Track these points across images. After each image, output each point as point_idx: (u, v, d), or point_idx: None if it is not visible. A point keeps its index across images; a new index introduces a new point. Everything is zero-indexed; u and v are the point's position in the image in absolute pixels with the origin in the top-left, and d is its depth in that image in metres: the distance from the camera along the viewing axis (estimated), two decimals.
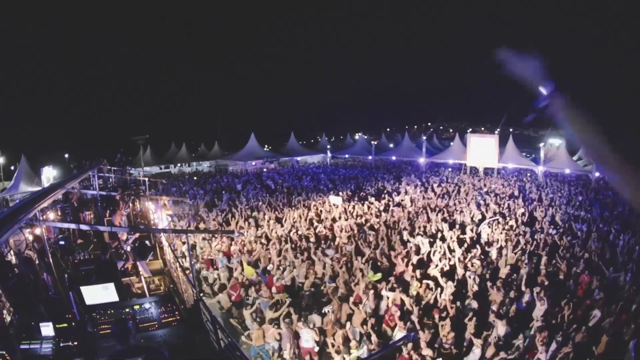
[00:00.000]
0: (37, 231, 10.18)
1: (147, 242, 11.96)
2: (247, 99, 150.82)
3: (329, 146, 69.16)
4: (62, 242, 12.21)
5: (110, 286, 7.82)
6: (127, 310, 7.09)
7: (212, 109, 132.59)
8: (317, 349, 11.61)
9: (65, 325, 7.00)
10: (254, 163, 61.10)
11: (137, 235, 12.23)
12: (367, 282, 14.23)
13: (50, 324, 6.96)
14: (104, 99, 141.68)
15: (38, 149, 64.98)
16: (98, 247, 12.80)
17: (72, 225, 10.33)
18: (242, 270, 16.37)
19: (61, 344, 6.70)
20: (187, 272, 10.42)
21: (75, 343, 6.64)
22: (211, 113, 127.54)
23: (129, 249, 12.08)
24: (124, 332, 5.14)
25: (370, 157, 61.66)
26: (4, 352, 6.52)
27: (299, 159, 66.95)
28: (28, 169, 49.18)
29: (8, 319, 7.99)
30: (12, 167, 63.59)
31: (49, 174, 48.42)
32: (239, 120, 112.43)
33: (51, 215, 15.59)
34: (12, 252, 9.74)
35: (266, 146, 69.79)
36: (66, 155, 69.81)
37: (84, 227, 10.84)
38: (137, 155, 59.71)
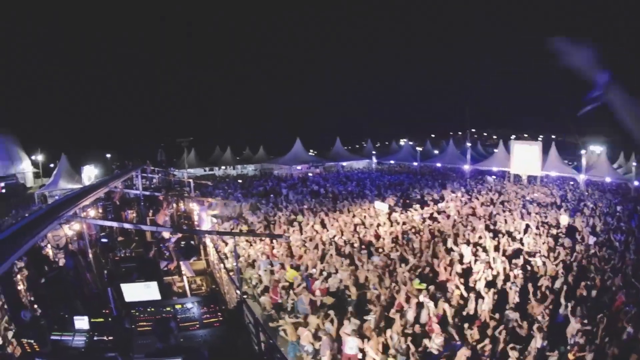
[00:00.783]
0: (76, 227, 10.28)
1: (192, 242, 12.01)
2: (293, 103, 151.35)
3: (374, 152, 69.02)
4: (104, 240, 12.34)
5: (153, 285, 7.81)
6: (168, 309, 7.03)
7: (257, 113, 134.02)
8: (360, 355, 11.38)
9: (101, 320, 7.09)
10: (299, 167, 61.09)
11: (179, 235, 12.31)
12: (409, 290, 14.01)
13: (86, 318, 7.03)
14: (149, 100, 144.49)
15: (79, 149, 66.16)
16: (140, 245, 12.94)
17: (114, 224, 10.39)
18: (285, 273, 16.39)
19: (95, 338, 6.75)
20: (231, 273, 10.40)
21: (111, 338, 6.67)
22: (256, 117, 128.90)
23: (171, 248, 12.18)
24: (166, 332, 5.11)
25: (415, 164, 61.07)
26: (32, 341, 6.63)
27: (344, 164, 66.86)
28: (68, 166, 50.03)
29: (39, 310, 8.17)
30: (52, 165, 65.22)
31: (90, 172, 49.22)
32: (282, 123, 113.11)
33: (92, 212, 15.81)
34: (49, 246, 9.87)
35: (311, 151, 69.82)
36: (108, 155, 70.99)
37: (126, 225, 10.89)
38: (181, 156, 60.51)
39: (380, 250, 19.28)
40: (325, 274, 16.17)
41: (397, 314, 12.60)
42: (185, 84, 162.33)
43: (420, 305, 13.05)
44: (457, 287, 14.55)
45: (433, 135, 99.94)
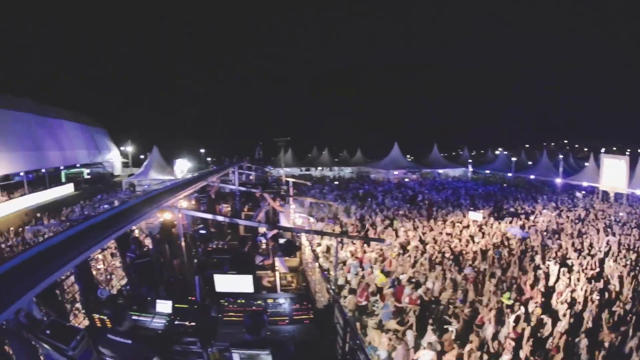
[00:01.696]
0: (168, 216, 10.70)
1: (292, 240, 12.28)
2: (389, 108, 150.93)
3: (470, 160, 68.45)
4: (202, 231, 12.82)
5: (248, 278, 7.99)
6: (259, 302, 7.22)
7: (355, 116, 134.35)
8: None
9: (185, 306, 7.39)
10: (396, 172, 60.97)
11: (275, 231, 12.64)
12: (493, 305, 13.86)
13: (170, 302, 7.35)
14: (248, 100, 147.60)
15: (172, 142, 68.54)
16: (235, 238, 13.37)
17: (209, 216, 10.73)
18: (374, 277, 16.58)
19: (175, 322, 7.01)
20: (329, 273, 10.59)
21: (193, 324, 6.89)
22: (354, 119, 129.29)
23: (267, 244, 12.56)
24: (257, 324, 5.29)
25: (510, 175, 60.04)
26: (105, 317, 6.96)
27: (440, 171, 66.39)
28: (160, 158, 52.24)
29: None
30: (142, 156, 68.34)
31: (183, 165, 50.91)
32: (379, 128, 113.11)
33: (184, 203, 16.37)
34: (136, 232, 10.39)
35: (408, 156, 69.66)
36: (202, 150, 72.95)
37: (222, 218, 11.25)
38: (278, 155, 61.65)
39: (470, 262, 19.12)
40: (414, 281, 16.20)
41: (477, 329, 12.58)
42: (284, 83, 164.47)
43: (500, 322, 12.94)
44: (538, 306, 14.28)
45: (527, 145, 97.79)
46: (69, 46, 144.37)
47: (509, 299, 14.81)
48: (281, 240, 11.46)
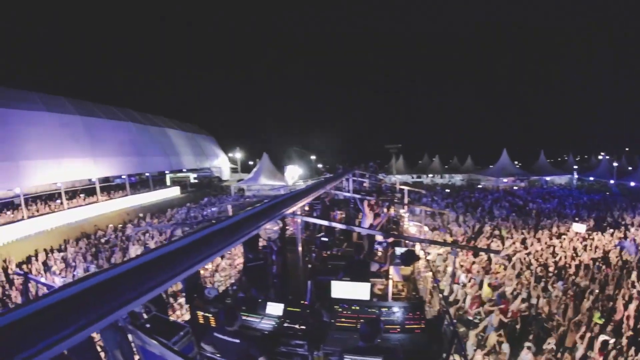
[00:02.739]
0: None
1: (412, 250, 12.29)
2: (498, 111, 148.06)
3: (575, 166, 65.68)
4: (324, 239, 13.01)
5: (366, 286, 8.09)
6: (373, 309, 7.29)
7: (465, 123, 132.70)
8: None
9: (297, 309, 7.54)
10: (505, 180, 59.91)
11: (390, 240, 12.68)
12: (586, 325, 13.48)
13: (282, 305, 7.58)
14: (361, 107, 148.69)
15: (281, 148, 70.13)
16: (350, 245, 13.50)
17: (324, 222, 10.85)
18: (480, 289, 16.47)
19: (285, 324, 7.17)
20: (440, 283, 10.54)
21: (302, 327, 7.03)
22: (464, 126, 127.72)
23: (389, 253, 12.61)
24: (373, 331, 5.36)
25: (612, 182, 57.11)
26: (210, 315, 7.41)
27: (547, 178, 64.38)
28: (270, 164, 53.95)
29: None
30: (251, 162, 70.76)
31: (294, 172, 51.96)
32: (488, 133, 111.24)
33: (297, 210, 16.61)
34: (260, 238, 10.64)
35: (516, 162, 68.31)
36: (313, 157, 74.17)
37: (338, 225, 11.35)
38: (389, 162, 61.91)
39: (570, 277, 18.55)
40: (516, 294, 15.98)
41: (569, 350, 12.41)
42: (394, 91, 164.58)
43: (591, 345, 12.49)
44: (627, 329, 13.60)
45: (627, 149, 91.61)
46: (177, 59, 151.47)
47: (600, 318, 14.31)
48: (401, 250, 11.44)
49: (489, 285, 16.92)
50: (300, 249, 9.38)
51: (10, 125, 30.93)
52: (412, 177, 69.39)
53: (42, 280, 9.10)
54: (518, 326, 13.90)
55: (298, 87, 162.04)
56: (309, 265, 11.30)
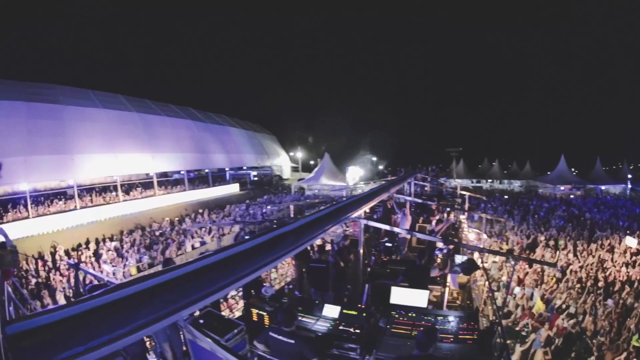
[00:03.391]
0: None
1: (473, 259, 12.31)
2: (554, 117, 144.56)
3: (630, 175, 63.29)
4: (388, 244, 13.09)
5: (424, 293, 8.20)
6: (429, 317, 7.32)
7: (527, 125, 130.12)
8: None
9: (354, 312, 7.62)
10: (562, 188, 58.33)
11: (451, 247, 12.71)
12: (625, 347, 13.00)
13: (339, 308, 7.68)
14: (423, 109, 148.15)
15: (344, 149, 70.47)
16: (411, 249, 13.55)
17: (386, 227, 10.88)
18: (532, 300, 16.35)
19: (340, 327, 7.25)
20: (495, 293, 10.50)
21: (357, 331, 7.08)
22: (527, 130, 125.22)
23: (442, 258, 12.65)
24: (430, 340, 5.43)
25: None
26: (264, 313, 7.63)
27: (603, 187, 61.91)
28: (331, 164, 54.42)
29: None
30: (312, 162, 71.29)
31: (355, 173, 52.14)
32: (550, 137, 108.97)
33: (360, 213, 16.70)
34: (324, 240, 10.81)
35: (573, 169, 66.28)
36: (374, 158, 74.35)
37: (400, 231, 11.41)
38: (450, 166, 61.58)
39: (617, 293, 17.84)
40: (564, 308, 15.80)
41: None
42: (457, 92, 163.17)
43: None
44: None
45: None
46: (242, 58, 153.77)
47: (638, 340, 13.92)
48: (461, 258, 11.45)
49: (542, 298, 16.70)
50: (361, 251, 9.48)
51: (64, 120, 32.62)
52: (472, 182, 68.65)
53: (92, 271, 9.36)
54: (561, 343, 13.72)
55: (359, 88, 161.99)
56: (368, 269, 11.31)
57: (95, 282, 8.36)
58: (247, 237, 10.56)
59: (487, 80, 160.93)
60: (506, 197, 51.82)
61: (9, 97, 30.03)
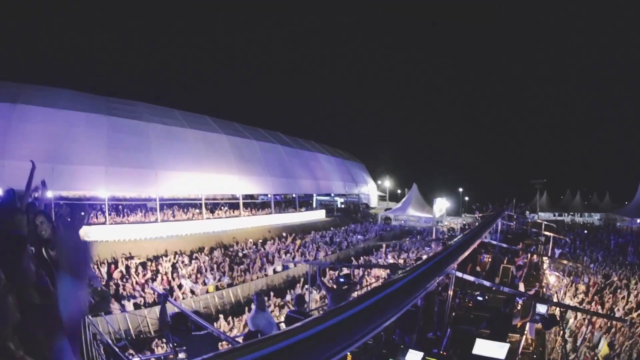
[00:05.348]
0: None
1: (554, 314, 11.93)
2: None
3: None
4: (479, 298, 12.79)
5: (505, 346, 8.10)
6: None
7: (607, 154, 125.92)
8: None
9: (434, 359, 7.57)
10: (638, 221, 54.53)
11: (531, 292, 12.33)
12: None
13: (421, 354, 7.59)
14: (504, 136, 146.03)
15: (431, 180, 70.31)
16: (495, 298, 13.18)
17: (471, 278, 10.65)
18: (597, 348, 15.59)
19: None
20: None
21: None
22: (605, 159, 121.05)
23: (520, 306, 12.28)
24: None
25: None
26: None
27: None
28: (419, 195, 54.28)
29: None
30: (399, 191, 71.31)
31: (442, 205, 51.67)
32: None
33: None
34: None
35: None
36: (460, 189, 73.75)
37: (488, 284, 11.14)
38: (533, 199, 60.23)
39: None
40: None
41: None
42: (538, 121, 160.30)
43: None
44: None
45: None
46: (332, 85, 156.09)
47: None
48: (543, 308, 11.05)
49: (609, 344, 15.91)
50: (451, 293, 9.29)
51: (150, 137, 34.17)
52: (554, 215, 66.14)
53: (177, 303, 9.41)
54: None
55: (447, 120, 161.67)
56: (453, 313, 11.08)
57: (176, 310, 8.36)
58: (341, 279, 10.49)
59: (569, 108, 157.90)
60: (585, 231, 49.72)
61: (90, 109, 31.88)
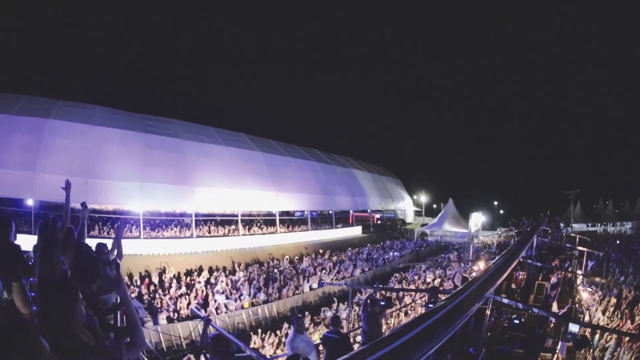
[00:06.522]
0: None
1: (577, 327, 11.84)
2: None
3: None
4: (516, 321, 12.77)
5: None
6: None
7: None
8: None
9: None
10: None
11: (565, 310, 12.24)
12: None
13: None
14: (538, 148, 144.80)
15: (467, 194, 69.95)
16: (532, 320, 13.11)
17: (512, 303, 10.69)
18: None
19: None
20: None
21: None
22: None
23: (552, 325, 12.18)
24: None
25: None
26: None
27: None
28: (455, 210, 54.37)
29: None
30: (435, 206, 71.30)
31: (477, 219, 51.31)
32: None
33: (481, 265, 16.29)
34: None
35: None
36: (495, 203, 73.38)
37: (520, 305, 11.12)
38: (567, 210, 59.51)
39: None
40: None
41: None
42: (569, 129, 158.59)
43: None
44: None
45: None
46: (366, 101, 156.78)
47: None
48: (575, 328, 10.98)
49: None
50: (488, 313, 9.29)
51: (185, 154, 34.97)
52: (587, 226, 65.32)
53: (219, 327, 9.46)
54: None
55: (480, 133, 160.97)
56: (488, 334, 11.02)
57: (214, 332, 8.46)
58: (382, 302, 10.56)
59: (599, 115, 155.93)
60: (618, 242, 48.04)
61: (125, 126, 32.76)
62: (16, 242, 4.53)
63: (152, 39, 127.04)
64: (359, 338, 11.48)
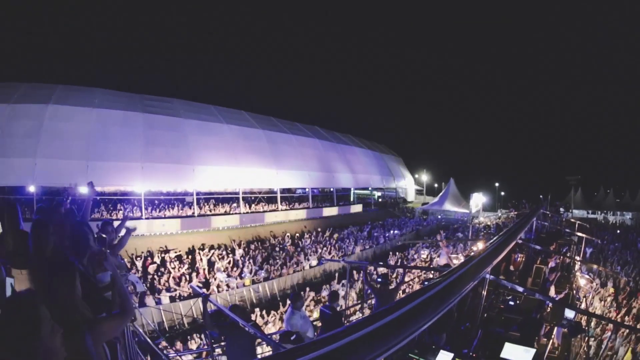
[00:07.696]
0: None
1: (572, 313, 11.87)
2: None
3: None
4: (511, 302, 12.80)
5: (531, 352, 8.21)
6: None
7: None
8: None
9: None
10: None
11: (561, 295, 12.27)
12: None
13: (452, 355, 7.88)
14: (542, 132, 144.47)
15: (468, 174, 70.03)
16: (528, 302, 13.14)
17: (509, 284, 10.68)
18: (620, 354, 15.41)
19: None
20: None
21: None
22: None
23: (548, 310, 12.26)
24: None
25: None
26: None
27: None
28: (456, 190, 54.31)
29: None
30: (436, 185, 71.36)
31: (478, 200, 51.29)
32: None
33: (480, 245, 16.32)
34: None
35: None
36: (496, 184, 73.33)
37: (519, 288, 11.11)
38: (568, 195, 59.52)
39: None
40: None
41: None
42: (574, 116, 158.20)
43: None
44: None
45: None
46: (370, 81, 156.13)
47: None
48: (571, 314, 11.06)
49: (633, 351, 15.73)
50: (484, 294, 9.42)
51: (186, 133, 34.89)
52: (588, 213, 65.39)
53: (218, 303, 9.52)
54: None
55: (484, 115, 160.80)
56: (485, 314, 11.29)
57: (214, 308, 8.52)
58: (379, 280, 10.52)
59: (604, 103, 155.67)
60: (618, 231, 48.52)
61: (126, 107, 32.84)
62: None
63: (152, 21, 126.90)
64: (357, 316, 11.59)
